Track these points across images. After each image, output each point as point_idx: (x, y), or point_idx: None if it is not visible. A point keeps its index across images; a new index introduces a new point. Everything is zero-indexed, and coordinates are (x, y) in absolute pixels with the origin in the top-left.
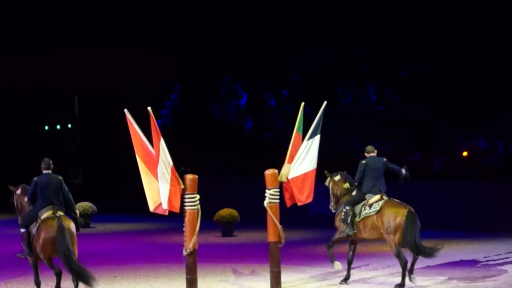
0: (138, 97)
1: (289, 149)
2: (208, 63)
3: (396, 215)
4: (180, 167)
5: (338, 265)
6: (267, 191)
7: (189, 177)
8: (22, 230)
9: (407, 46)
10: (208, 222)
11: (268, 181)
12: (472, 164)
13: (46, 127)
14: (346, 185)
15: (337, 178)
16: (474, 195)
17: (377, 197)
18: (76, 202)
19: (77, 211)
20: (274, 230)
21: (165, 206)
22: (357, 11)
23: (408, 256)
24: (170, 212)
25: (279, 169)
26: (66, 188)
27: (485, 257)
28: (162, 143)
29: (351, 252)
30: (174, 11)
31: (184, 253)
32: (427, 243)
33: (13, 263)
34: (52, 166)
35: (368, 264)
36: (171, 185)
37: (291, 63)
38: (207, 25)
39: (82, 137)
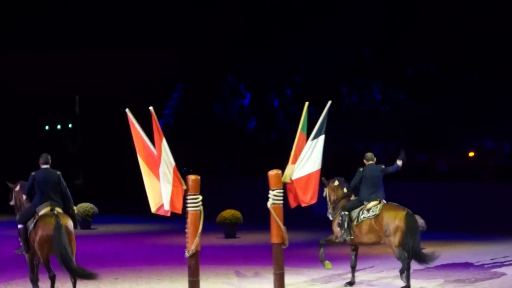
0: (140, 96)
1: (293, 150)
2: (211, 62)
3: (394, 218)
4: (183, 168)
5: (328, 264)
6: (270, 192)
7: (191, 177)
8: (20, 226)
9: (412, 45)
10: (210, 224)
11: (272, 182)
12: (479, 164)
13: (47, 127)
14: (343, 190)
15: (334, 184)
16: (480, 196)
17: (376, 201)
18: (77, 203)
19: (74, 208)
20: (277, 232)
21: (167, 207)
22: (362, 9)
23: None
24: (172, 213)
25: (283, 170)
26: (64, 183)
27: (492, 259)
28: (164, 143)
29: (353, 257)
30: (177, 9)
31: (186, 254)
32: (427, 249)
33: (13, 265)
34: (50, 161)
35: (373, 266)
36: (173, 186)
37: (295, 62)
38: (210, 23)
39: (83, 137)
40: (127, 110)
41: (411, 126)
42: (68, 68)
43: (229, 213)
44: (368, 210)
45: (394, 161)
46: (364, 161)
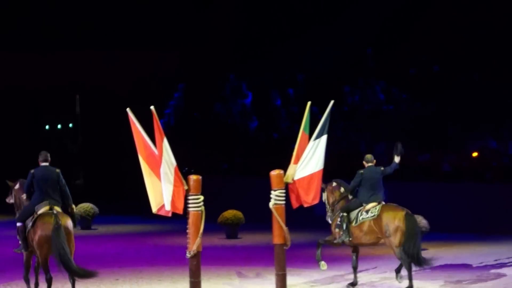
0: (141, 96)
1: (295, 150)
2: (212, 61)
3: (394, 218)
4: (184, 168)
5: (324, 265)
6: (272, 192)
7: (193, 177)
8: (18, 224)
9: (416, 44)
10: (212, 224)
11: (274, 182)
12: (483, 164)
13: (47, 127)
14: (341, 190)
15: (332, 185)
16: (484, 197)
17: (375, 203)
18: (77, 203)
19: (73, 206)
20: (279, 232)
21: (168, 207)
22: (365, 8)
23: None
24: (173, 214)
25: (285, 170)
26: (64, 181)
27: (496, 260)
28: (166, 143)
29: (354, 257)
30: (177, 8)
31: (188, 255)
32: (429, 252)
33: (13, 266)
34: (49, 158)
35: (376, 267)
36: (175, 186)
37: (297, 61)
38: (212, 22)
39: (84, 137)
40: (128, 109)
41: (414, 126)
42: (69, 67)
43: (230, 214)
44: (367, 211)
45: (392, 158)
46: (364, 163)
